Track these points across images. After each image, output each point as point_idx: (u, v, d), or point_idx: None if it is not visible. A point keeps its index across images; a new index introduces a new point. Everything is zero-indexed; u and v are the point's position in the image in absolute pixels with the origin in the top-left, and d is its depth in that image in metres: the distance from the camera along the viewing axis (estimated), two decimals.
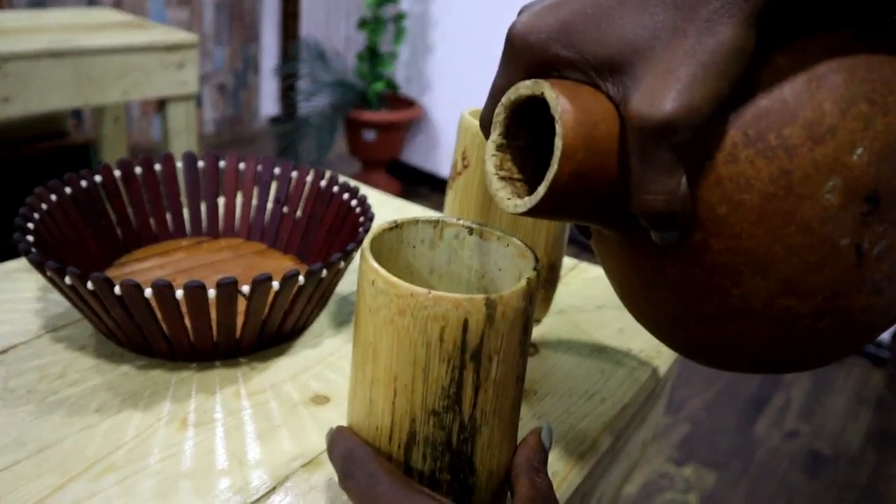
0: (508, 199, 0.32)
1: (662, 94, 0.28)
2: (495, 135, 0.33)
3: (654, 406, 0.67)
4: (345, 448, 0.35)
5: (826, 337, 0.31)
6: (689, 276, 0.31)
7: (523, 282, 0.32)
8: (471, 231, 0.37)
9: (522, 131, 0.33)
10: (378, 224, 0.36)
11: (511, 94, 0.31)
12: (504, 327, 0.31)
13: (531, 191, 0.32)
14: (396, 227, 0.36)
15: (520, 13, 0.32)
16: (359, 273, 0.33)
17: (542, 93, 0.30)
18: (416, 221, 0.37)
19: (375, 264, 0.32)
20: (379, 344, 0.32)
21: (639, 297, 0.35)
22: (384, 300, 0.31)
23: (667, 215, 0.29)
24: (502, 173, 0.33)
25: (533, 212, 0.31)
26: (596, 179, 0.30)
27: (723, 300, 0.31)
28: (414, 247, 0.37)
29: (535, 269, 0.33)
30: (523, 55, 0.31)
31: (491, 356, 0.32)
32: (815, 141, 0.28)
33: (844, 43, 0.30)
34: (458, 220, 0.37)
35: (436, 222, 0.37)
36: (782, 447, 1.80)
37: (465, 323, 0.30)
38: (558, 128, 0.29)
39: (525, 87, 0.31)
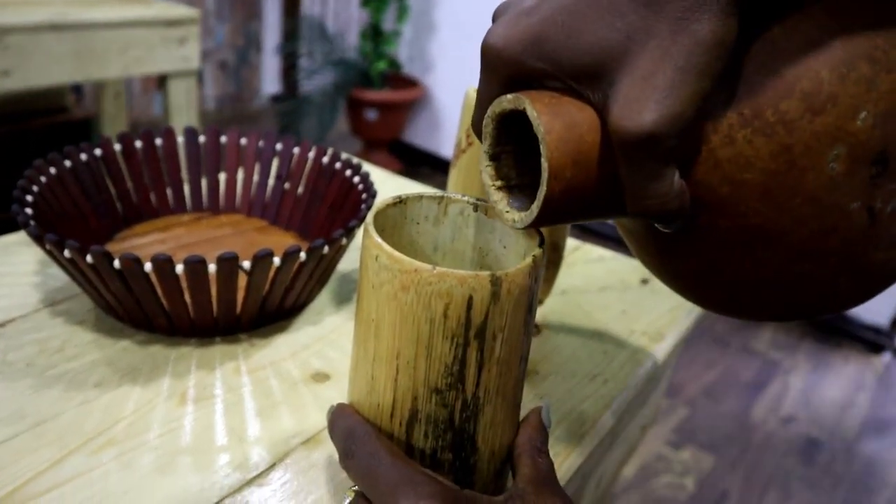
0: (507, 212, 0.32)
1: (641, 104, 0.27)
2: (486, 145, 0.32)
3: (654, 389, 0.67)
4: (346, 426, 0.34)
5: (845, 290, 0.31)
6: (700, 253, 0.31)
7: (529, 259, 0.31)
8: (476, 207, 0.37)
9: (514, 135, 0.32)
10: (381, 199, 0.35)
11: (495, 108, 0.31)
12: (509, 305, 0.31)
13: (532, 194, 0.31)
14: (400, 202, 0.36)
15: (493, 19, 0.32)
16: (362, 248, 0.33)
17: (524, 109, 0.29)
18: (420, 197, 0.36)
19: (379, 239, 0.31)
20: (381, 320, 0.32)
21: (654, 267, 0.36)
22: (387, 276, 0.31)
23: (664, 214, 0.29)
24: (499, 183, 0.33)
25: (532, 226, 0.31)
26: (588, 190, 0.29)
27: (736, 272, 0.31)
28: (418, 223, 0.37)
29: (540, 246, 0.33)
30: (500, 69, 0.30)
31: (495, 334, 0.31)
32: (814, 112, 0.28)
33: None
34: (464, 196, 0.37)
35: (440, 198, 0.37)
36: (779, 432, 1.81)
37: (470, 300, 0.30)
38: (543, 149, 0.28)
39: (507, 102, 0.30)
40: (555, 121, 0.28)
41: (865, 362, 2.14)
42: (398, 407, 0.33)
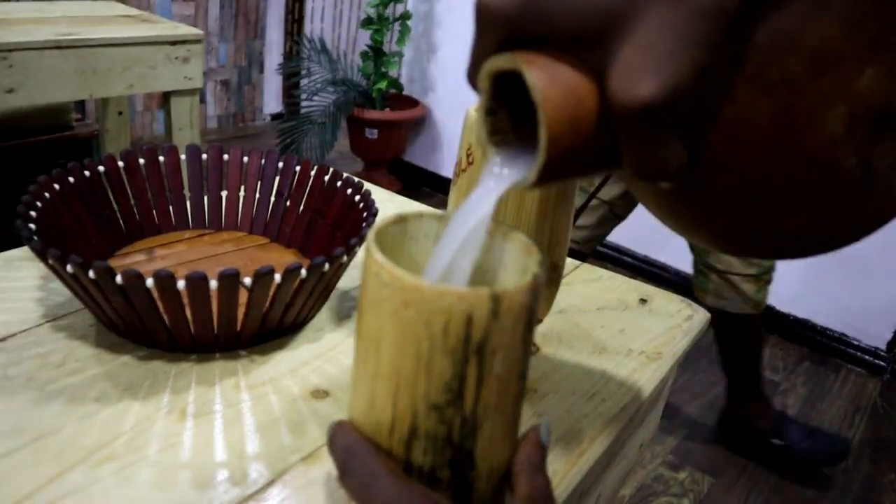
0: (502, 167, 0.32)
1: (640, 74, 0.26)
2: (483, 100, 0.32)
3: (653, 408, 0.67)
4: (345, 443, 0.34)
5: (838, 233, 0.32)
6: (697, 203, 0.32)
7: (529, 277, 0.32)
8: None
9: (509, 87, 0.32)
10: (382, 218, 0.36)
11: (489, 66, 0.31)
12: (508, 322, 0.31)
13: (530, 143, 0.31)
14: (401, 220, 0.36)
15: None
16: (363, 266, 0.33)
17: (520, 70, 0.29)
18: (421, 215, 0.37)
19: (381, 257, 0.32)
20: (382, 337, 0.32)
21: (653, 207, 0.37)
22: (388, 293, 0.31)
23: (661, 177, 0.29)
24: (496, 138, 0.33)
25: (531, 187, 0.31)
26: (587, 153, 0.30)
27: (731, 220, 0.32)
28: (418, 241, 0.37)
29: (540, 265, 0.33)
30: (495, 30, 0.30)
31: (494, 351, 0.31)
32: (819, 71, 0.27)
33: None
34: None
35: (441, 216, 0.37)
36: (777, 454, 1.80)
37: (470, 317, 0.30)
38: (541, 116, 0.28)
39: (503, 60, 0.30)
40: (552, 87, 0.28)
41: (863, 384, 2.14)
42: (398, 423, 0.33)
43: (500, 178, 0.33)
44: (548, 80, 0.28)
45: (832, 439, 1.71)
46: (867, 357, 2.19)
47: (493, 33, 0.30)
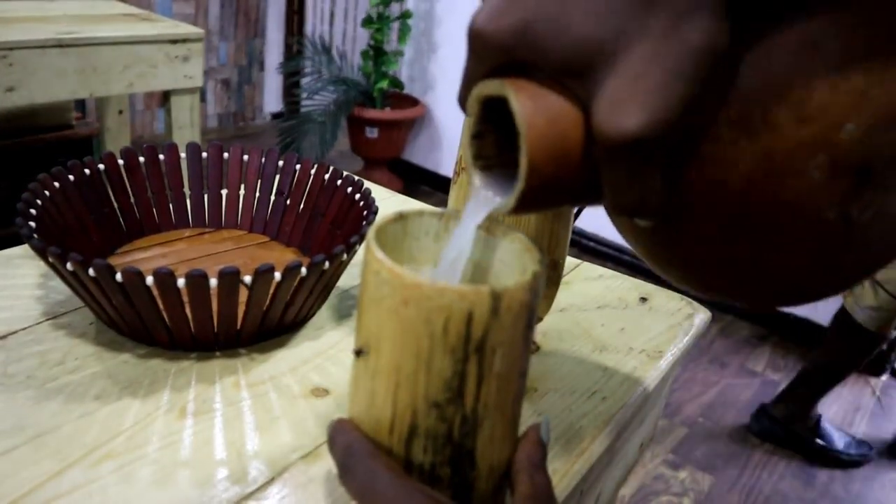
0: (485, 190, 0.33)
1: (627, 107, 0.26)
2: (471, 123, 0.32)
3: (653, 407, 0.67)
4: (345, 442, 0.34)
5: (819, 283, 0.32)
6: (674, 242, 0.32)
7: (529, 275, 0.32)
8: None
9: (497, 112, 0.32)
10: (382, 216, 0.36)
11: (479, 90, 0.31)
12: (508, 320, 0.31)
13: (514, 171, 0.31)
14: (401, 218, 0.36)
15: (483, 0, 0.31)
16: (363, 264, 0.33)
17: (507, 97, 0.29)
18: (421, 213, 0.37)
19: (381, 254, 0.32)
20: (382, 334, 0.32)
21: (635, 248, 0.37)
22: (388, 290, 0.31)
23: (640, 213, 0.29)
24: (480, 162, 0.33)
25: (510, 213, 0.31)
26: (567, 184, 0.30)
27: (705, 265, 0.32)
28: (418, 239, 0.37)
29: (540, 263, 0.33)
30: (487, 55, 0.30)
31: (495, 349, 0.31)
32: (801, 120, 0.27)
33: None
34: None
35: (441, 214, 0.37)
36: (778, 453, 1.80)
37: (470, 315, 0.30)
38: (523, 144, 0.28)
39: (492, 87, 0.30)
40: (537, 115, 0.28)
41: (864, 383, 2.14)
42: (398, 421, 0.33)
43: (482, 202, 0.33)
44: (533, 109, 0.28)
45: (859, 443, 1.78)
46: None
47: (485, 58, 0.30)
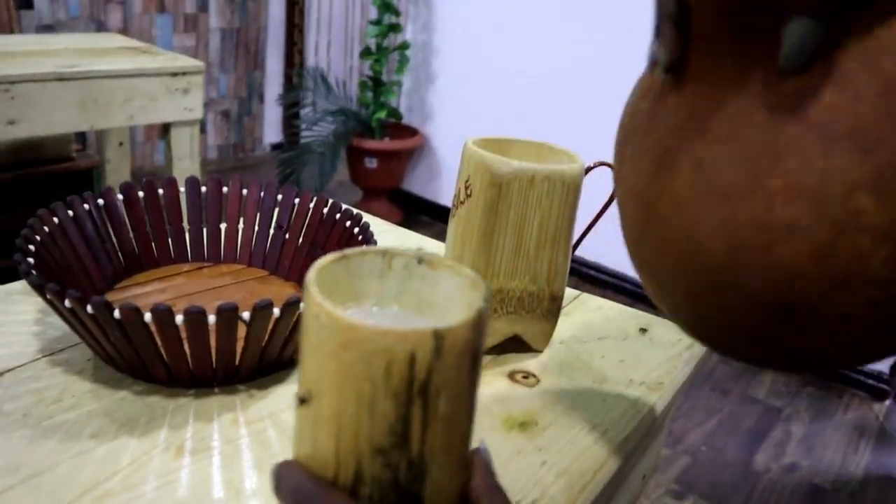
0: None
1: None
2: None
3: (655, 438, 0.66)
4: (293, 483, 0.33)
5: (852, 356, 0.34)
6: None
7: (473, 312, 0.31)
8: (420, 260, 0.36)
9: None
10: (324, 257, 0.34)
11: None
12: (452, 360, 0.30)
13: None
14: (343, 258, 0.35)
15: None
16: (304, 307, 0.32)
17: None
18: (363, 252, 0.36)
19: (318, 297, 0.30)
20: (322, 380, 0.31)
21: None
22: (327, 334, 0.30)
23: None
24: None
25: None
26: None
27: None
28: (362, 278, 0.36)
29: (485, 299, 0.32)
30: None
31: (439, 391, 0.30)
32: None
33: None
34: (407, 249, 0.37)
35: (384, 252, 0.36)
36: (782, 481, 1.78)
37: (412, 356, 0.29)
38: None
39: None
40: None
41: (867, 409, 2.12)
42: (342, 469, 0.32)
43: None
44: None
45: None
46: (870, 381, 2.17)
47: None
